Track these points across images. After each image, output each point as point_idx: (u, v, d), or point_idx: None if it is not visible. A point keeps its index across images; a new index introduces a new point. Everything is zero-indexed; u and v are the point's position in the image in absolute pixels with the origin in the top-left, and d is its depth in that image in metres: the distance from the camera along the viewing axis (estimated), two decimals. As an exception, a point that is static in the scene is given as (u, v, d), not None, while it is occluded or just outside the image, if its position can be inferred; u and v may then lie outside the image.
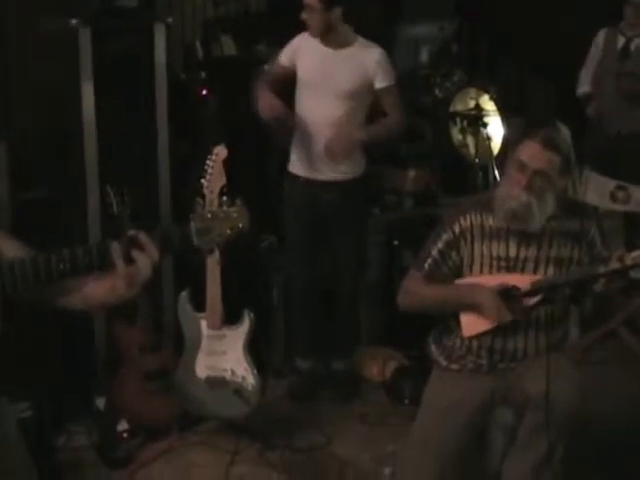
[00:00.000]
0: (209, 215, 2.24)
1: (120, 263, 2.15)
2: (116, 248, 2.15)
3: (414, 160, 5.95)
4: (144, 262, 2.16)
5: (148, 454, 4.21)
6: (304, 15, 4.40)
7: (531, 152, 3.29)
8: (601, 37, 6.26)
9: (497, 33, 7.28)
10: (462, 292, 3.41)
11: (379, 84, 4.47)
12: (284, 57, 4.59)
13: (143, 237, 2.18)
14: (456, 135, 6.66)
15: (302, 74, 4.54)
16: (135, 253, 2.16)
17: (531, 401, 3.21)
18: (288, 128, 4.51)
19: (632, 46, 6.10)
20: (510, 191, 3.31)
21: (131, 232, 2.19)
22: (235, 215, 2.27)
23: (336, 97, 4.44)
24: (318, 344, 4.89)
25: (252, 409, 4.23)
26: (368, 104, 4.56)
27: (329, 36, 4.45)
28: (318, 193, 4.59)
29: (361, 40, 4.50)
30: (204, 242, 2.24)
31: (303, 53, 4.53)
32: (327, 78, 4.44)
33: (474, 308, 3.35)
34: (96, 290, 2.24)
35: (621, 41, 6.14)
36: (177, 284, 4.68)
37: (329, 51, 4.47)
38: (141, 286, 2.21)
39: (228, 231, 2.26)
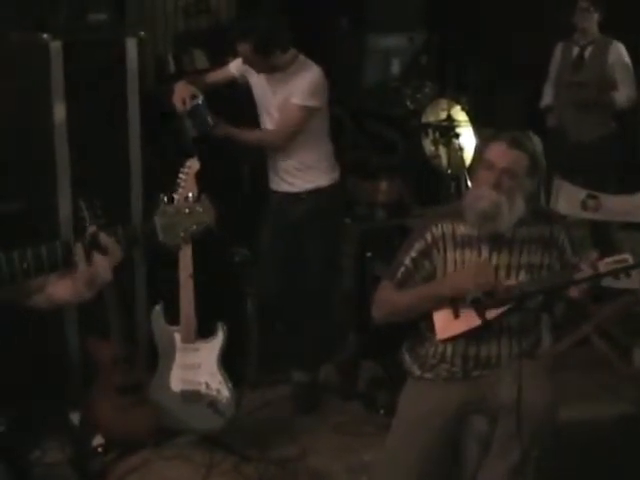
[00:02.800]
0: (173, 210, 2.23)
1: (82, 264, 2.13)
2: (79, 249, 2.13)
3: (386, 171, 5.96)
4: (103, 264, 2.15)
5: (123, 469, 4.19)
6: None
7: (498, 151, 3.34)
8: (558, 49, 6.35)
9: (467, 44, 7.33)
10: (438, 284, 3.43)
11: (293, 99, 4.47)
12: (234, 67, 4.67)
13: (104, 238, 2.16)
14: (428, 146, 6.67)
15: (254, 94, 4.66)
16: (95, 255, 2.14)
17: (504, 409, 3.21)
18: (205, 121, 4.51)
19: (585, 55, 6.17)
20: (479, 192, 3.35)
21: (90, 230, 2.18)
22: (200, 210, 2.26)
23: None
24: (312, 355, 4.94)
25: (227, 422, 4.23)
26: (324, 117, 4.62)
27: None
28: (290, 205, 4.66)
29: (301, 59, 4.53)
30: (169, 237, 2.23)
31: (251, 75, 4.61)
32: (272, 97, 4.54)
33: (453, 302, 3.37)
34: (58, 290, 2.22)
35: (575, 51, 6.21)
36: (150, 297, 4.67)
37: (271, 75, 4.52)
38: (101, 287, 2.19)
39: (194, 227, 2.25)
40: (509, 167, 3.31)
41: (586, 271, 3.22)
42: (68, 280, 2.19)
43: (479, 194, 3.35)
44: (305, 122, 4.49)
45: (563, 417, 3.37)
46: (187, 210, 2.25)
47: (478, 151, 3.53)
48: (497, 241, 3.40)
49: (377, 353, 4.99)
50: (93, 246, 2.16)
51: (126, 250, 2.22)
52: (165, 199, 2.26)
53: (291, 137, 4.53)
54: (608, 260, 3.18)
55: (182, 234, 2.25)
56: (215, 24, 6.40)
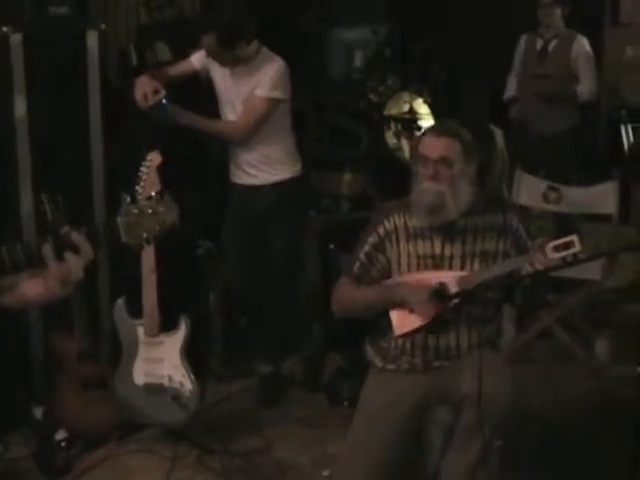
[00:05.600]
0: (136, 210, 2.22)
1: (53, 264, 2.13)
2: (48, 249, 2.13)
3: (350, 163, 5.98)
4: (75, 262, 2.14)
5: (87, 462, 4.20)
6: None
7: (428, 144, 3.40)
8: (522, 42, 6.41)
9: (430, 36, 7.35)
10: (392, 291, 3.45)
11: (257, 91, 4.48)
12: (196, 59, 4.66)
13: (75, 237, 2.15)
14: (390, 139, 6.70)
15: (216, 87, 4.65)
16: (66, 254, 2.13)
17: (465, 399, 3.25)
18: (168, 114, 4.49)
19: (549, 48, 6.24)
20: (421, 187, 3.39)
21: (64, 230, 2.17)
22: (164, 210, 2.24)
23: None
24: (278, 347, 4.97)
25: (190, 415, 4.23)
26: (287, 110, 4.63)
27: None
28: (252, 198, 4.67)
29: (264, 51, 4.54)
30: (132, 238, 2.21)
31: (213, 67, 4.60)
32: (235, 90, 4.54)
33: (404, 306, 3.40)
34: (30, 289, 2.21)
35: (540, 44, 6.27)
36: (113, 291, 4.66)
37: (234, 68, 4.53)
38: (74, 285, 2.19)
39: (157, 227, 2.24)
40: (442, 156, 3.35)
41: (534, 256, 3.24)
42: (40, 279, 2.18)
43: (421, 189, 3.39)
44: (269, 114, 4.51)
45: (525, 408, 3.41)
46: (150, 210, 2.24)
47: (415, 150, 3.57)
48: (449, 231, 3.43)
49: (341, 346, 5.01)
50: (64, 245, 2.15)
51: (95, 250, 2.21)
52: (128, 199, 2.24)
53: (254, 129, 4.53)
54: (555, 243, 3.21)
55: (145, 234, 2.23)
56: (178, 16, 6.38)
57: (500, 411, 3.23)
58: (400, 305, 3.42)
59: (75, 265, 2.15)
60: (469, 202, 3.41)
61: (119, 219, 2.21)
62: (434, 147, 3.38)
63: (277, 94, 4.49)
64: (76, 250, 2.16)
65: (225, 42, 4.36)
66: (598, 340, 5.24)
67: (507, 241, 3.46)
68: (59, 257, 2.14)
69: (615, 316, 5.53)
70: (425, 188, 3.37)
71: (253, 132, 4.54)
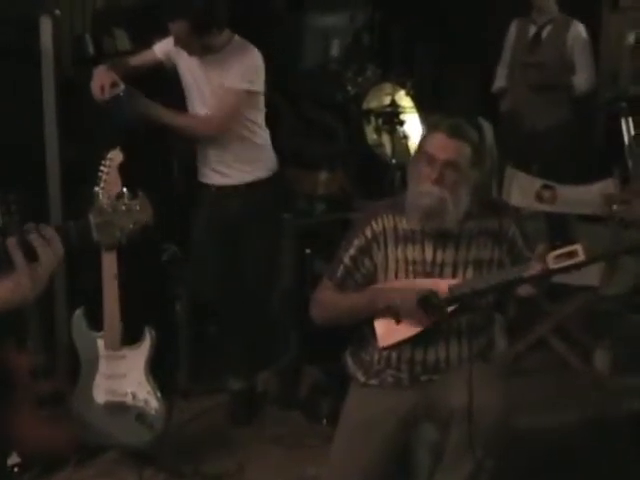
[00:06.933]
0: (109, 209, 2.23)
1: (20, 260, 2.13)
2: (13, 244, 2.13)
3: (326, 161, 5.98)
4: (48, 257, 2.15)
5: (43, 488, 4.17)
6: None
7: (438, 143, 3.36)
8: (513, 28, 6.40)
9: (412, 23, 7.37)
10: (378, 297, 3.44)
11: (226, 82, 4.45)
12: (159, 50, 4.65)
13: (48, 231, 2.17)
14: (371, 134, 6.71)
15: (183, 78, 4.62)
16: (39, 248, 2.14)
17: (455, 415, 3.23)
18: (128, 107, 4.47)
19: (543, 34, 6.23)
20: (421, 188, 3.36)
21: (29, 226, 2.17)
22: (138, 208, 2.26)
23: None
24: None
25: (156, 435, 4.22)
26: (255, 105, 4.60)
27: None
28: (226, 199, 4.65)
29: (237, 40, 4.53)
30: (105, 237, 2.23)
31: (180, 57, 4.57)
32: (205, 81, 4.51)
33: (390, 313, 3.39)
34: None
35: (532, 30, 6.27)
36: (71, 301, 4.64)
37: (204, 58, 4.50)
38: (46, 284, 2.19)
39: (131, 225, 2.25)
40: (451, 159, 3.32)
41: (534, 266, 3.24)
42: (9, 280, 2.19)
43: (421, 191, 3.37)
44: (241, 107, 4.48)
45: (522, 424, 3.41)
46: (124, 208, 2.25)
47: (419, 143, 3.55)
48: (442, 237, 3.42)
49: (319, 358, 5.01)
50: (31, 243, 2.16)
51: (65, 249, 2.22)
52: (100, 196, 2.26)
53: (228, 125, 4.50)
54: (557, 252, 3.20)
55: (118, 234, 2.25)
56: (139, 1, 6.36)
57: (492, 428, 3.21)
58: (385, 313, 3.41)
59: (48, 259, 2.16)
60: (466, 208, 3.40)
61: (91, 217, 2.22)
62: (444, 148, 3.33)
63: (247, 85, 4.45)
64: (48, 242, 2.16)
65: (198, 29, 4.31)
66: (598, 351, 5.25)
67: (502, 249, 3.46)
68: (28, 253, 2.15)
69: (616, 325, 5.55)
70: (426, 190, 3.34)
71: (227, 128, 4.50)
